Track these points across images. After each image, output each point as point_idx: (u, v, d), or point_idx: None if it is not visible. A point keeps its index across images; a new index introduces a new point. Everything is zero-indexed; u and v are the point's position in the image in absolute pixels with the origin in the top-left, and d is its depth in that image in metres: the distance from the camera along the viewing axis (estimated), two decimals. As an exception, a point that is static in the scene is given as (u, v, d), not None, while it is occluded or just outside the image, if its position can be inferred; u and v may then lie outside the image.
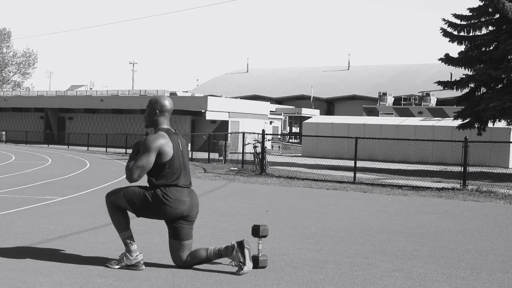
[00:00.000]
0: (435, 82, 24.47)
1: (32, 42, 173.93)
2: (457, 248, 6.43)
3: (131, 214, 5.10)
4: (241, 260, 4.90)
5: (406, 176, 17.98)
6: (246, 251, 4.92)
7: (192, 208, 5.02)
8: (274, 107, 55.12)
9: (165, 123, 5.03)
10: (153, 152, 4.81)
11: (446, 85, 23.49)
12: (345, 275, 4.97)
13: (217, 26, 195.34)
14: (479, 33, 22.75)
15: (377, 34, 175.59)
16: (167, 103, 5.05)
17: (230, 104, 42.48)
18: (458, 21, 23.09)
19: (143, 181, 5.04)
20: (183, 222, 5.00)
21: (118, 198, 5.00)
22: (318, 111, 59.84)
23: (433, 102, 53.70)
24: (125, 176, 4.98)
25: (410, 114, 47.52)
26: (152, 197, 4.89)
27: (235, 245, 4.96)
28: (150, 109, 5.04)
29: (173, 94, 43.61)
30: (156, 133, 4.95)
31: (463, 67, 22.85)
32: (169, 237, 5.07)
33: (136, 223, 7.21)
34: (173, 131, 5.06)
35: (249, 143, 20.68)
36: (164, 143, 4.84)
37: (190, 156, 27.32)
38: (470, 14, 22.86)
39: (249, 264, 4.92)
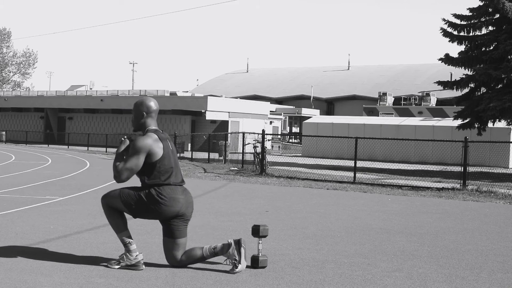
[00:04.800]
0: (435, 82, 24.47)
1: (32, 42, 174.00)
2: (457, 248, 6.43)
3: (128, 215, 5.10)
4: (236, 258, 4.93)
5: (406, 176, 17.98)
6: (243, 250, 4.96)
7: (187, 206, 5.04)
8: (274, 107, 55.12)
9: (152, 124, 5.05)
10: (142, 154, 4.83)
11: (446, 85, 23.49)
12: (345, 275, 4.97)
13: (217, 26, 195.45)
14: (479, 33, 22.75)
15: (377, 34, 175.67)
16: (153, 104, 5.06)
17: (230, 104, 42.47)
18: (458, 21, 23.09)
19: (137, 182, 5.04)
20: (178, 221, 5.01)
21: (114, 200, 5.01)
22: (318, 111, 59.83)
23: (433, 102, 53.69)
24: (113, 175, 5.00)
25: (410, 114, 47.51)
26: (146, 197, 4.90)
27: (232, 243, 4.99)
28: (137, 112, 5.04)
29: (173, 94, 43.61)
30: (145, 135, 4.95)
31: (463, 67, 22.85)
32: (164, 236, 5.07)
33: (136, 223, 7.21)
34: (161, 131, 5.08)
35: (249, 143, 20.68)
36: (153, 144, 4.87)
37: (190, 156, 27.33)
38: (470, 14, 22.86)
39: (243, 263, 4.95)
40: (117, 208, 5.02)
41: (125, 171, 4.84)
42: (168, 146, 4.99)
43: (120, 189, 5.07)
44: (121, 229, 4.98)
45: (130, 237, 5.01)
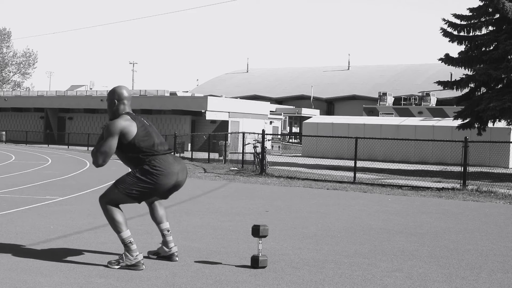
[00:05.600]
0: (435, 82, 24.48)
1: (32, 42, 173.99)
2: (457, 248, 6.43)
3: (129, 211, 5.09)
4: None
5: (406, 176, 17.98)
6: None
7: (182, 172, 5.15)
8: (274, 107, 55.12)
9: (126, 110, 5.14)
10: (115, 136, 4.92)
11: (446, 85, 23.50)
12: (345, 275, 4.97)
13: (217, 26, 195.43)
14: (479, 33, 22.76)
15: (377, 34, 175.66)
16: (124, 92, 5.15)
17: (230, 104, 42.48)
18: (458, 21, 23.09)
19: (124, 169, 5.04)
20: (174, 190, 5.18)
21: (112, 195, 5.01)
22: (318, 111, 59.84)
23: (433, 102, 53.71)
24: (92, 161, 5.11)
25: (410, 114, 47.52)
26: (142, 174, 4.96)
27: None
28: (109, 101, 5.15)
29: (173, 94, 43.60)
30: (118, 118, 5.03)
31: (463, 67, 22.85)
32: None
33: (136, 223, 7.21)
34: (134, 114, 5.17)
35: (249, 143, 20.67)
36: (125, 124, 4.95)
37: (190, 156, 27.34)
38: (470, 14, 22.86)
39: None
40: (119, 202, 5.03)
41: (100, 154, 4.95)
42: (142, 123, 5.08)
43: (113, 183, 5.10)
44: (121, 229, 4.98)
45: (130, 237, 5.01)
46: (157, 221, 5.37)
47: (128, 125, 4.94)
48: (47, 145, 41.95)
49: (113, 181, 5.14)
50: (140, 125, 5.01)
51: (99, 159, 4.95)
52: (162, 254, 5.35)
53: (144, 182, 4.94)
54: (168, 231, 5.35)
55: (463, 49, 22.97)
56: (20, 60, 79.93)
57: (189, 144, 35.61)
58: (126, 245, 4.95)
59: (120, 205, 5.09)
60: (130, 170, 5.13)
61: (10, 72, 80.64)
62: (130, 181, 4.97)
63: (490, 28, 22.57)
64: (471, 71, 22.36)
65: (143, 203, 5.39)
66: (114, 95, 5.10)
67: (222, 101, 42.71)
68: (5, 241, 5.98)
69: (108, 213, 5.01)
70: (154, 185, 4.95)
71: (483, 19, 22.61)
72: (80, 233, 6.59)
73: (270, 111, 48.97)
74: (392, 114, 49.57)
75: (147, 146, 4.97)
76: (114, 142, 4.90)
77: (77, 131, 47.53)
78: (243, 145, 20.56)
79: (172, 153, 5.21)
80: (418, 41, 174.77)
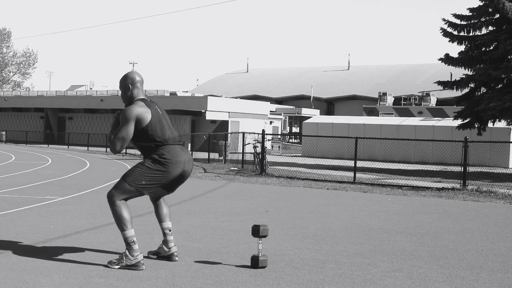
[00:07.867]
0: (435, 82, 24.47)
1: (32, 42, 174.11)
2: (457, 248, 6.43)
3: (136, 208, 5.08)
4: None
5: (406, 176, 17.97)
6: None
7: (188, 164, 5.25)
8: (274, 107, 55.12)
9: (140, 95, 5.20)
10: (131, 122, 4.97)
11: (446, 85, 23.49)
12: (345, 275, 4.97)
13: (217, 26, 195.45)
14: (479, 33, 22.76)
15: (377, 34, 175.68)
16: (136, 76, 5.24)
17: (230, 104, 42.46)
18: (458, 21, 23.09)
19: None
20: (181, 179, 5.26)
21: (122, 189, 5.02)
22: (318, 111, 59.85)
23: (433, 102, 53.71)
24: (110, 149, 5.19)
25: (410, 114, 47.52)
26: (151, 164, 5.03)
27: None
28: (123, 86, 5.21)
29: (173, 94, 43.60)
30: (133, 104, 5.08)
31: (463, 67, 22.85)
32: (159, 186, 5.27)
33: (136, 223, 7.21)
34: (149, 100, 5.20)
35: (249, 143, 20.67)
36: (141, 110, 5.01)
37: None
38: (470, 14, 22.87)
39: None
40: (127, 196, 5.04)
41: (117, 140, 5.00)
42: (156, 111, 5.12)
43: (121, 177, 5.12)
44: (126, 227, 4.97)
45: (134, 236, 4.99)
46: (160, 218, 5.39)
47: (144, 111, 5.00)
48: (47, 145, 41.94)
49: (120, 177, 5.16)
50: (154, 113, 5.06)
51: (117, 145, 5.01)
52: (162, 254, 5.36)
53: (152, 172, 5.01)
54: (170, 230, 5.36)
55: (463, 49, 22.98)
56: (20, 60, 79.97)
57: (189, 144, 35.60)
58: (128, 244, 4.95)
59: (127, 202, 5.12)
60: (137, 163, 5.18)
61: (10, 72, 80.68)
62: (138, 172, 5.02)
63: (490, 28, 22.57)
64: (471, 71, 22.36)
65: (149, 203, 5.38)
66: (127, 80, 5.18)
67: (222, 101, 42.70)
68: (5, 241, 5.98)
69: (116, 209, 5.01)
70: (162, 173, 5.02)
71: (483, 19, 22.61)
72: (80, 233, 6.59)
73: (270, 111, 48.96)
74: (392, 114, 49.58)
75: (158, 135, 5.04)
76: (131, 128, 4.97)
77: (77, 131, 47.52)
78: (243, 145, 20.56)
79: (181, 144, 5.28)
80: (418, 41, 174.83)
